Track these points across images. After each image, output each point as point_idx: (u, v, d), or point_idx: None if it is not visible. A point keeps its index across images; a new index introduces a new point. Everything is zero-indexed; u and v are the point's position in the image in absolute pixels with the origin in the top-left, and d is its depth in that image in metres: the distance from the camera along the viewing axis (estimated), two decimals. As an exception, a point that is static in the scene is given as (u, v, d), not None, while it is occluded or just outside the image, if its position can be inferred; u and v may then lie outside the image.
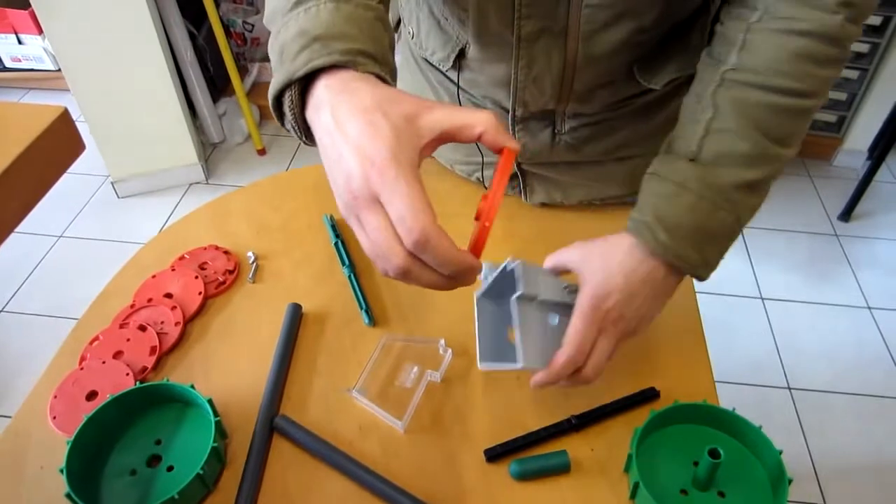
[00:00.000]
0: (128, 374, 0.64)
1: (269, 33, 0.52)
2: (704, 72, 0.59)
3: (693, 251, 0.55)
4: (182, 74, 2.22)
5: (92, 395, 0.63)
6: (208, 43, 2.32)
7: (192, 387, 0.59)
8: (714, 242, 0.56)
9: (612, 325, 0.56)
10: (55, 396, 0.63)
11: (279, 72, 0.47)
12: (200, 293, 0.72)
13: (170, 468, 0.57)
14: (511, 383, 0.66)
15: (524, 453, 0.60)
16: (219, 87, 2.51)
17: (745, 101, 0.55)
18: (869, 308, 1.95)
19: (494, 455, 0.59)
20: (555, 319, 0.60)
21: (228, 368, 0.67)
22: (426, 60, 0.80)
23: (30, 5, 1.95)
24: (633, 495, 0.56)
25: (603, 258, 0.57)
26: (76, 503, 0.52)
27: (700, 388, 0.65)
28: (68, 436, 0.56)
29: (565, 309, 0.60)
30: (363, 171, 0.41)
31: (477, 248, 0.46)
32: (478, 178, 0.86)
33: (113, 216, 2.22)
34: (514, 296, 0.55)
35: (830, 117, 2.35)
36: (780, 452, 0.56)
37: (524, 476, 0.58)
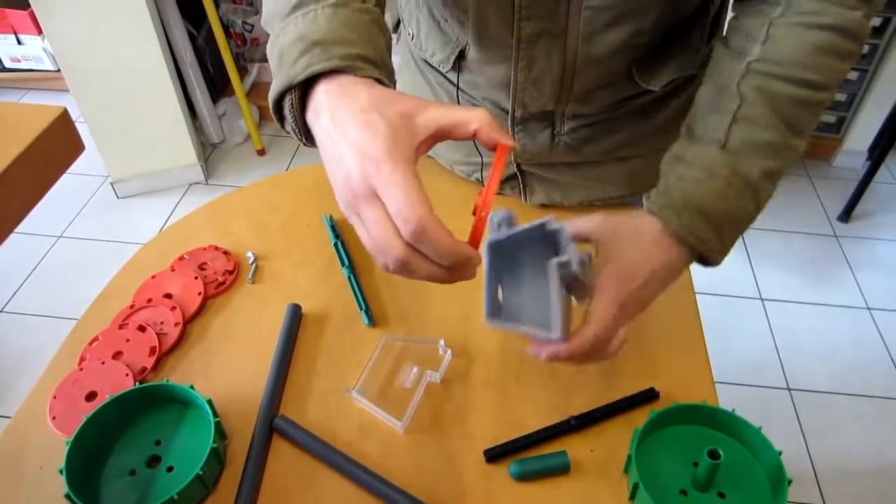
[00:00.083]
0: (127, 375, 0.64)
1: (268, 34, 0.52)
2: (723, 63, 0.59)
3: (716, 237, 0.56)
4: (182, 75, 2.22)
5: (91, 396, 0.63)
6: (208, 43, 2.32)
7: (192, 387, 0.59)
8: (735, 230, 0.57)
9: (631, 307, 0.56)
10: (54, 397, 0.63)
11: (279, 76, 0.48)
12: (200, 293, 0.72)
13: (169, 469, 0.57)
14: (511, 383, 0.66)
15: (524, 454, 0.60)
16: (218, 87, 2.51)
17: (770, 92, 0.55)
18: (868, 309, 1.95)
19: (494, 455, 0.59)
20: (563, 291, 0.59)
21: (228, 369, 0.67)
22: (426, 62, 0.80)
23: (29, 6, 1.95)
24: (632, 496, 0.56)
25: (631, 241, 0.57)
26: (75, 504, 0.52)
27: (700, 388, 0.65)
28: (68, 436, 0.56)
29: (573, 281, 0.57)
30: (361, 168, 0.42)
31: (474, 239, 0.46)
32: (477, 179, 0.86)
33: (112, 216, 2.22)
34: (556, 260, 0.52)
35: (830, 118, 2.35)
36: (780, 453, 0.56)
37: (524, 477, 0.58)
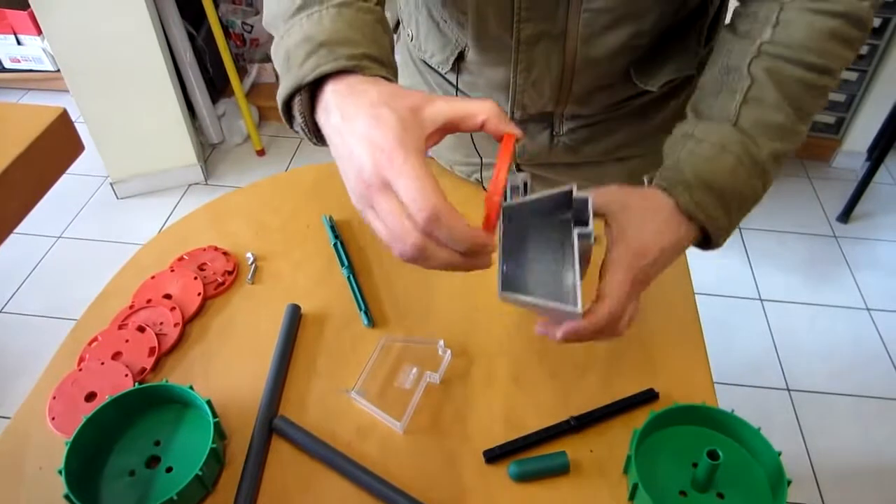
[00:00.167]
0: (127, 375, 0.64)
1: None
2: (732, 45, 0.59)
3: (724, 214, 0.56)
4: (181, 75, 2.22)
5: (91, 396, 0.63)
6: (207, 44, 2.32)
7: (191, 388, 0.59)
8: (741, 208, 0.57)
9: (641, 284, 0.56)
10: (54, 397, 0.63)
11: (287, 77, 0.49)
12: (199, 294, 0.72)
13: (169, 469, 0.57)
14: (510, 384, 0.66)
15: (523, 454, 0.60)
16: (218, 87, 2.51)
17: (781, 74, 0.55)
18: (868, 309, 1.95)
19: (493, 456, 0.59)
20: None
21: (227, 369, 0.67)
22: (425, 63, 0.80)
23: (29, 6, 1.95)
24: (631, 496, 0.56)
25: (643, 217, 0.56)
26: (75, 504, 0.52)
27: (699, 389, 0.65)
28: (67, 437, 0.56)
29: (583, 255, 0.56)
30: (373, 160, 0.42)
31: (488, 223, 0.46)
32: (476, 179, 0.86)
33: (112, 217, 2.22)
34: (578, 231, 0.50)
35: (829, 119, 2.35)
36: (779, 454, 0.56)
37: (523, 477, 0.58)
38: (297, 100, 0.49)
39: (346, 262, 0.76)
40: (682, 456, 0.58)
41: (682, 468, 0.58)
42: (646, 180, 0.59)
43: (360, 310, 0.72)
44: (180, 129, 2.20)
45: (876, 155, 2.09)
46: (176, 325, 0.69)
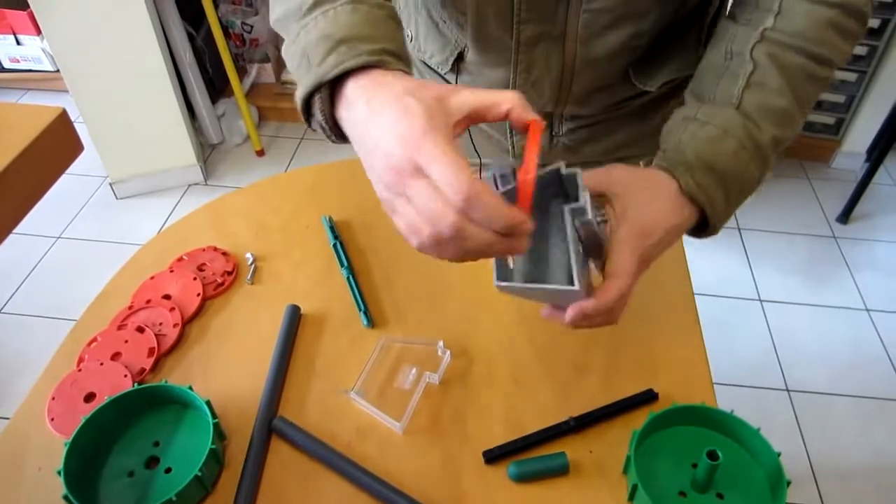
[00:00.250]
0: (126, 376, 0.64)
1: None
2: (734, 30, 0.59)
3: (723, 198, 0.55)
4: (181, 75, 2.22)
5: (90, 397, 0.63)
6: (207, 44, 2.32)
7: (191, 388, 0.59)
8: (741, 194, 0.57)
9: (644, 263, 0.55)
10: (53, 398, 0.63)
11: (307, 75, 0.48)
12: (199, 294, 0.72)
13: (168, 470, 0.57)
14: (510, 384, 0.66)
15: (523, 455, 0.60)
16: (217, 88, 2.51)
17: (783, 60, 0.56)
18: (867, 310, 1.95)
19: (493, 457, 0.59)
20: (579, 243, 0.55)
21: (227, 370, 0.67)
22: (424, 63, 0.80)
23: (28, 6, 1.95)
24: (631, 497, 0.56)
25: (646, 198, 0.56)
26: (74, 505, 0.52)
27: (698, 390, 0.65)
28: (66, 437, 0.56)
29: (590, 236, 0.54)
30: (403, 147, 0.42)
31: (524, 201, 0.45)
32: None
33: (111, 217, 2.22)
34: (569, 206, 0.49)
35: (829, 119, 2.35)
36: (779, 454, 0.56)
37: (523, 478, 0.58)
38: (317, 97, 0.49)
39: (345, 263, 0.76)
40: (682, 456, 0.58)
41: (681, 469, 0.58)
42: (642, 164, 0.59)
43: (360, 310, 0.72)
44: (180, 130, 2.20)
45: (875, 156, 2.09)
46: (175, 325, 0.69)
